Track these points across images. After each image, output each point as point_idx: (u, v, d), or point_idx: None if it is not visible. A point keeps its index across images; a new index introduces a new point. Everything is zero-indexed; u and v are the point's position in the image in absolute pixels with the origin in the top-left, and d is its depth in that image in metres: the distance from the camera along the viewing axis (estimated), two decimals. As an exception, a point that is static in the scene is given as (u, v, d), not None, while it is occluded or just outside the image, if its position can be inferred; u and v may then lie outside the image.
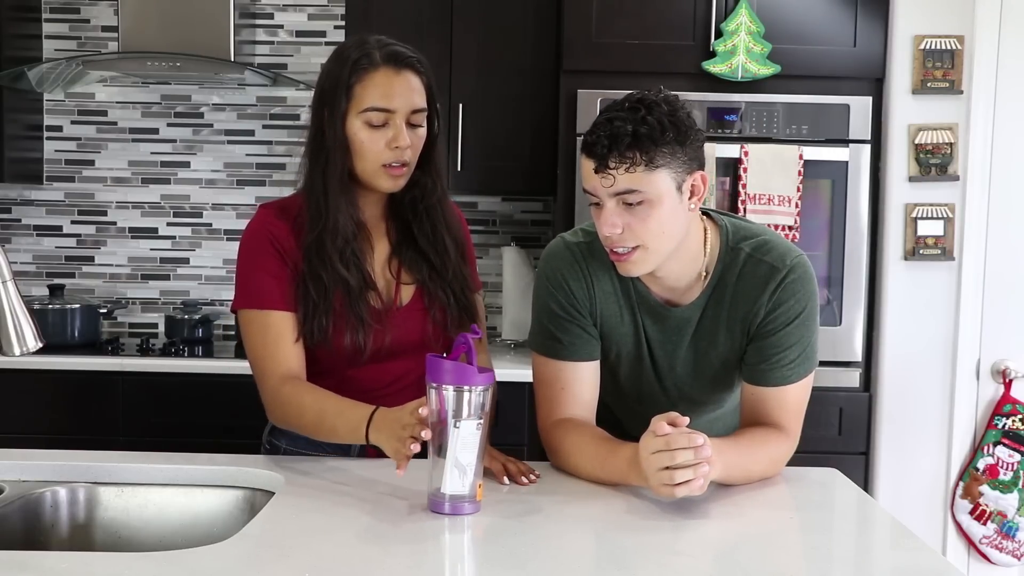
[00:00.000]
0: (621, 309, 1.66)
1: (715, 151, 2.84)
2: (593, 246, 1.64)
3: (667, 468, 1.39)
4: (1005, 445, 2.93)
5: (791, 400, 1.62)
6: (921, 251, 2.92)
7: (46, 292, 3.31)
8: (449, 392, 1.38)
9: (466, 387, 1.39)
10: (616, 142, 1.47)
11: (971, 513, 2.95)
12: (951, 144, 2.91)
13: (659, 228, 1.51)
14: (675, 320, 1.64)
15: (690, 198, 1.53)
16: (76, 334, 3.22)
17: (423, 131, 1.72)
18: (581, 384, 1.66)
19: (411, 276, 1.78)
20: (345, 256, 1.69)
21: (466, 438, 1.39)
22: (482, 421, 1.40)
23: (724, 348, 1.64)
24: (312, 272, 1.68)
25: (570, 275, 1.65)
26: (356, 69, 1.67)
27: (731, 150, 2.88)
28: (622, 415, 1.80)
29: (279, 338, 1.68)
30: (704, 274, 1.62)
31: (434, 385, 1.40)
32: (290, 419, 1.68)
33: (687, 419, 1.44)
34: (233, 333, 3.49)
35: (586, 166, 1.52)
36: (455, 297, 1.78)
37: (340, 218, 1.69)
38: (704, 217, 1.64)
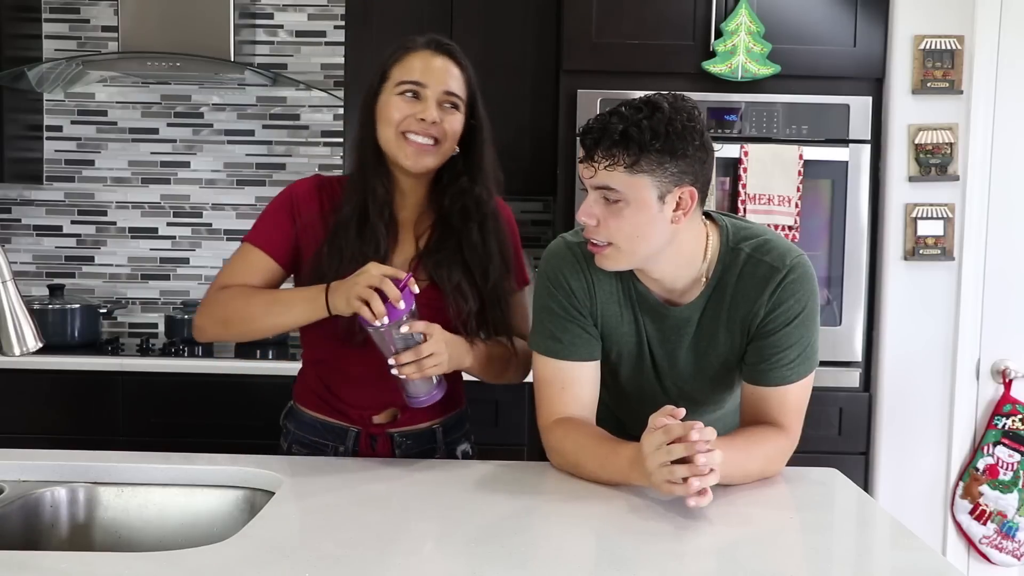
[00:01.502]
0: (622, 309, 1.66)
1: (715, 151, 2.84)
2: None
3: (666, 464, 1.40)
4: (1005, 445, 2.93)
5: (791, 400, 1.62)
6: (921, 251, 2.92)
7: (46, 292, 3.31)
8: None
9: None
10: (604, 137, 1.48)
11: (971, 513, 2.95)
12: (951, 144, 2.91)
13: (632, 231, 1.51)
14: (675, 320, 1.64)
15: (675, 210, 1.52)
16: (76, 334, 3.22)
17: (458, 118, 1.73)
18: (581, 384, 1.66)
19: (427, 276, 1.78)
20: (362, 240, 1.72)
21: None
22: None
23: (724, 348, 1.64)
24: (334, 244, 1.72)
25: (571, 275, 1.65)
26: (396, 53, 1.74)
27: (731, 150, 2.88)
28: (623, 415, 1.80)
29: (249, 267, 1.76)
30: (704, 275, 1.62)
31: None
32: (227, 307, 1.71)
33: (683, 411, 1.45)
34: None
35: (579, 152, 1.54)
36: (482, 308, 1.78)
37: (368, 195, 1.73)
38: (706, 219, 1.64)
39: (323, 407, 1.85)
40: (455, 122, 1.73)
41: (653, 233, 1.52)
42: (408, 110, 1.69)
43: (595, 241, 1.55)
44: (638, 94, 2.98)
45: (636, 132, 1.46)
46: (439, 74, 1.72)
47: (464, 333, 1.75)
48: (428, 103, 1.69)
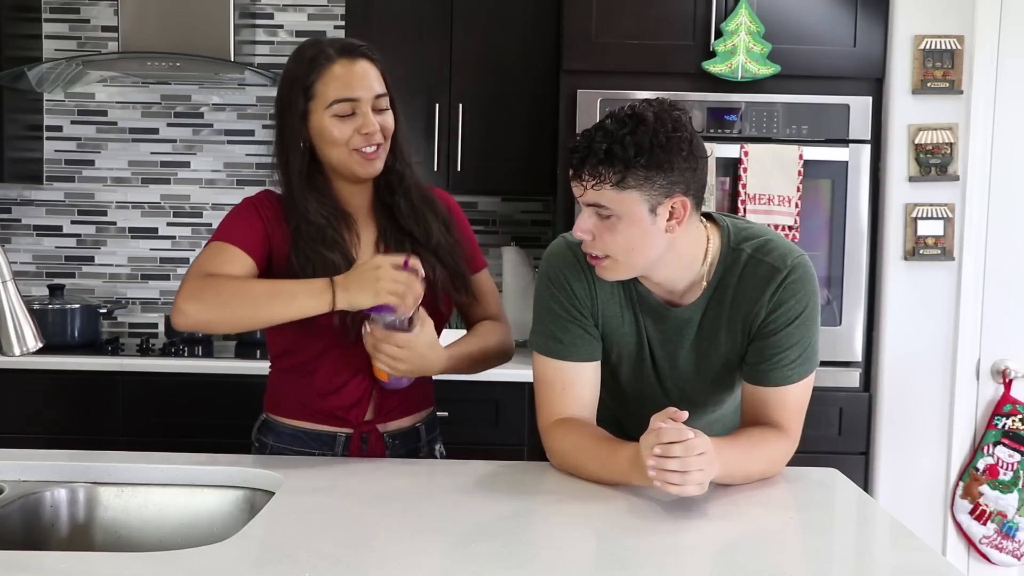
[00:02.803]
0: (622, 310, 1.66)
1: (715, 151, 2.84)
2: None
3: (663, 467, 1.40)
4: (1005, 445, 2.93)
5: (791, 400, 1.62)
6: (921, 251, 2.92)
7: (46, 292, 3.31)
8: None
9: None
10: (589, 156, 1.48)
11: (971, 513, 2.95)
12: (951, 144, 2.91)
13: (627, 244, 1.51)
14: (676, 321, 1.64)
15: (668, 220, 1.51)
16: (76, 334, 3.22)
17: (390, 115, 1.78)
18: (582, 385, 1.66)
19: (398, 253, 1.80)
20: (328, 241, 1.74)
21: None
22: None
23: (725, 348, 1.64)
24: (300, 256, 1.73)
25: (572, 275, 1.65)
26: (314, 66, 1.74)
27: (731, 150, 2.88)
28: (623, 416, 1.80)
29: (225, 262, 1.69)
30: (705, 276, 1.62)
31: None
32: (219, 293, 1.65)
33: (685, 414, 1.45)
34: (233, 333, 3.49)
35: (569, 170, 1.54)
36: (442, 263, 1.81)
37: (310, 212, 1.74)
38: (707, 220, 1.64)
39: (307, 415, 1.82)
40: (390, 120, 1.78)
41: (648, 244, 1.52)
42: (349, 128, 1.72)
43: (593, 254, 1.56)
44: (638, 94, 3.00)
45: (620, 149, 1.45)
46: (365, 81, 1.74)
47: (438, 293, 1.80)
48: (366, 116, 1.73)
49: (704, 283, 1.62)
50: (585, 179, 1.49)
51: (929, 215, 2.92)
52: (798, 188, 2.87)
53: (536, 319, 1.70)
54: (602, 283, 1.64)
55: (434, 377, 1.88)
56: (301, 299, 1.63)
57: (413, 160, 1.86)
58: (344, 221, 1.79)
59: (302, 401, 1.82)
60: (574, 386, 1.66)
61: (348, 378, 1.79)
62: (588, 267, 1.63)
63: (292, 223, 1.75)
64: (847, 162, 2.92)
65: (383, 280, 1.60)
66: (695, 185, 1.53)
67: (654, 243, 1.52)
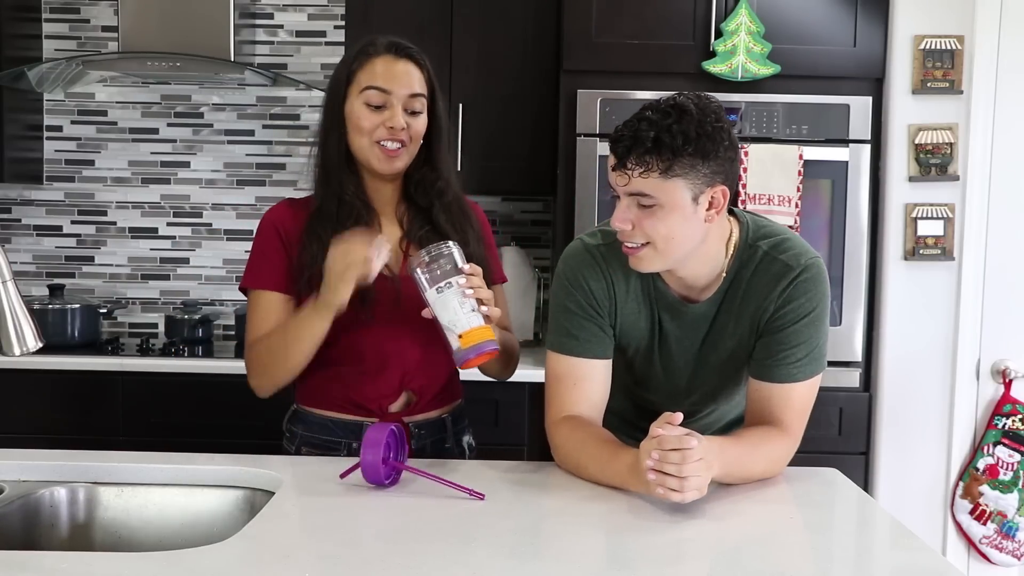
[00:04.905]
0: (640, 307, 1.67)
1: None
2: (612, 247, 1.65)
3: (660, 472, 1.40)
4: (1005, 445, 2.93)
5: (796, 399, 1.62)
6: (921, 251, 2.92)
7: (46, 292, 3.31)
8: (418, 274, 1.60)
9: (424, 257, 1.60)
10: (636, 145, 1.49)
11: (971, 513, 2.95)
12: (951, 144, 2.91)
13: (668, 233, 1.52)
14: (692, 316, 1.65)
15: (708, 209, 1.53)
16: (76, 334, 3.22)
17: (423, 119, 1.80)
18: (592, 381, 1.67)
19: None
20: (345, 222, 1.76)
21: (438, 302, 1.59)
22: (442, 285, 1.58)
23: (733, 343, 1.65)
24: (311, 232, 1.77)
25: (590, 276, 1.66)
26: (359, 56, 1.80)
27: (731, 150, 2.88)
28: (633, 409, 1.80)
29: (266, 314, 1.80)
30: (723, 271, 1.63)
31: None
32: (262, 361, 1.78)
33: (680, 415, 1.46)
34: (233, 333, 3.49)
35: (610, 160, 1.54)
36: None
37: (343, 191, 1.78)
38: (729, 215, 1.65)
39: (335, 405, 1.84)
40: (420, 124, 1.80)
41: (688, 233, 1.54)
42: (377, 119, 1.76)
43: (629, 244, 1.56)
44: (638, 94, 3.00)
45: (668, 138, 1.47)
46: (403, 79, 1.77)
47: None
48: (395, 110, 1.76)
49: (721, 277, 1.63)
50: (631, 168, 1.50)
51: (929, 215, 2.92)
52: (798, 188, 2.87)
53: (552, 320, 1.71)
54: (619, 282, 1.65)
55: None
56: (309, 325, 1.70)
57: (454, 171, 1.89)
58: (370, 214, 1.82)
59: (330, 391, 1.84)
60: (585, 382, 1.67)
61: (372, 368, 1.81)
62: (606, 267, 1.65)
63: (317, 201, 1.79)
64: (847, 162, 2.92)
65: (336, 265, 1.63)
66: (733, 176, 1.56)
67: (693, 232, 1.54)
